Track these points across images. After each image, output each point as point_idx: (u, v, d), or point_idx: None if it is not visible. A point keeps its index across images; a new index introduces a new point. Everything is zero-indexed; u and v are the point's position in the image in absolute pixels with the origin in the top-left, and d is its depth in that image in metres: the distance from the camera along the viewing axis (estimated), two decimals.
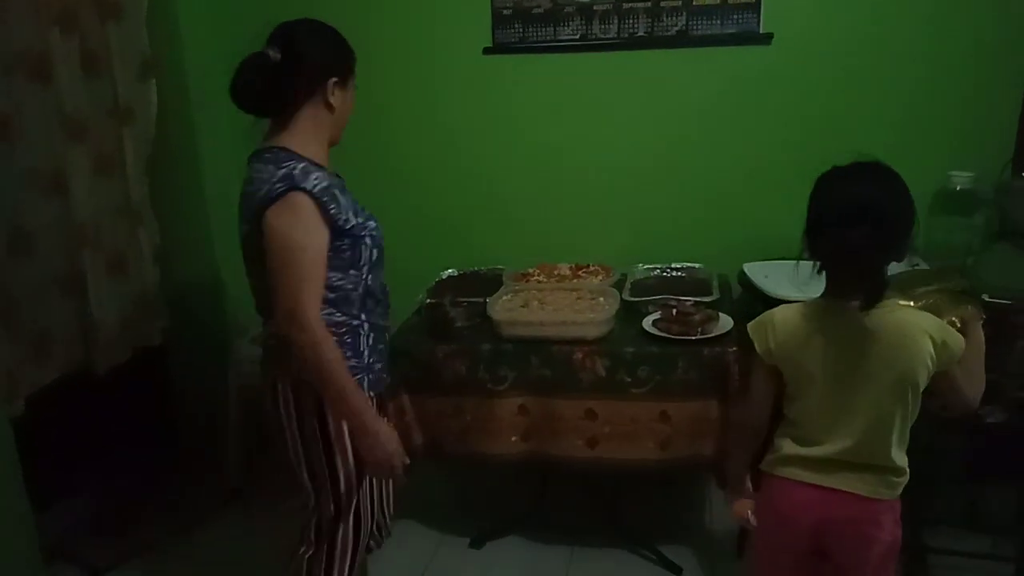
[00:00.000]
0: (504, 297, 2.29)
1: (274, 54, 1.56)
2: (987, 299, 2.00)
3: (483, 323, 2.20)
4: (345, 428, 1.59)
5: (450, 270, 2.61)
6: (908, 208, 1.39)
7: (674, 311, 2.13)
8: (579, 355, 2.09)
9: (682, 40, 2.47)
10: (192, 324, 2.89)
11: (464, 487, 2.76)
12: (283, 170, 1.48)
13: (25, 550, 2.11)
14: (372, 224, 1.62)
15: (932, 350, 1.36)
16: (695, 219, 2.64)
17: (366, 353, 1.63)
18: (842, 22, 2.38)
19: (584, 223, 2.75)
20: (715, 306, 2.19)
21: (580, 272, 2.50)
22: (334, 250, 1.52)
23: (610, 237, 2.69)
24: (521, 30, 2.56)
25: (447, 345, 2.19)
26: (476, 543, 2.48)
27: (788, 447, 1.47)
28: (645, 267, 2.52)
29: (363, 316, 1.62)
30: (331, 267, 1.52)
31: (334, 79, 1.58)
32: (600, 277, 2.46)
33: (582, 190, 2.72)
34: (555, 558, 2.34)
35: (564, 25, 2.52)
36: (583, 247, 2.69)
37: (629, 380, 2.02)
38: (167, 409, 3.02)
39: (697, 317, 2.08)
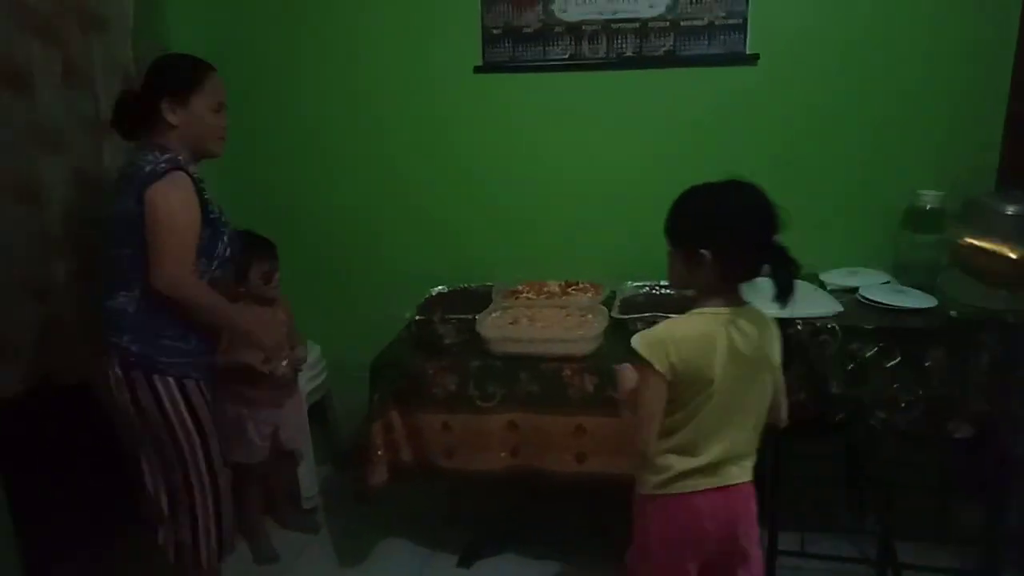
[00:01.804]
0: (493, 314, 2.30)
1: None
2: (954, 315, 2.04)
3: (472, 339, 2.21)
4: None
5: (440, 287, 2.63)
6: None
7: None
8: (568, 372, 2.10)
9: (670, 60, 2.53)
10: None
11: (452, 504, 2.74)
12: (167, 155, 1.78)
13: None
14: (227, 231, 1.92)
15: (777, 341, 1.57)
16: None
17: (194, 339, 1.87)
18: (824, 45, 2.46)
19: (573, 240, 2.78)
20: None
21: (569, 289, 2.53)
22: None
23: (599, 254, 2.72)
24: (511, 49, 2.60)
25: (436, 361, 2.21)
26: (464, 561, 2.46)
27: (678, 463, 1.52)
28: (634, 284, 2.55)
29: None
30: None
31: (167, 99, 1.82)
32: (589, 294, 2.49)
33: (571, 207, 2.75)
34: (544, 574, 2.32)
35: (554, 45, 2.56)
36: (572, 264, 2.72)
37: (616, 397, 2.02)
38: None
39: None
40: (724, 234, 1.48)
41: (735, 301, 1.51)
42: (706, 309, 1.51)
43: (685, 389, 1.48)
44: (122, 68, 2.34)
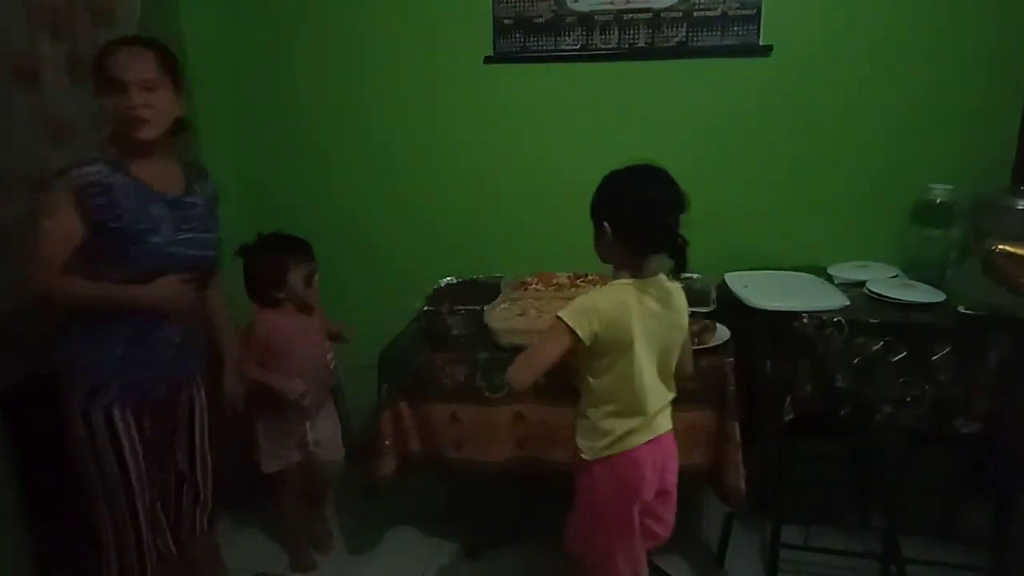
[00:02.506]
0: (502, 305, 2.33)
1: None
2: (962, 311, 2.04)
3: (481, 331, 2.23)
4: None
5: (448, 278, 2.66)
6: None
7: None
8: (576, 364, 2.11)
9: (682, 51, 2.54)
10: None
11: (460, 495, 2.78)
12: (83, 156, 1.76)
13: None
14: (157, 240, 1.75)
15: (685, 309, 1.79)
16: (692, 228, 2.66)
17: (117, 354, 1.78)
18: (839, 36, 2.46)
19: (583, 232, 2.77)
20: (712, 317, 2.22)
21: (578, 281, 2.56)
22: (94, 244, 1.69)
23: None
24: (522, 39, 2.61)
25: (445, 353, 2.24)
26: (472, 552, 2.50)
27: (619, 426, 1.72)
28: None
29: (120, 319, 1.76)
30: (93, 258, 1.70)
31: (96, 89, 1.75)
32: (598, 286, 2.48)
33: (581, 199, 2.74)
34: (550, 566, 2.37)
35: (565, 35, 2.57)
36: (581, 256, 2.72)
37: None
38: None
39: (695, 327, 2.11)
40: (619, 211, 1.69)
41: (644, 272, 1.69)
42: (620, 281, 1.70)
43: (609, 353, 1.68)
44: None
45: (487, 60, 2.69)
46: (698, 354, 2.09)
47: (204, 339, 2.08)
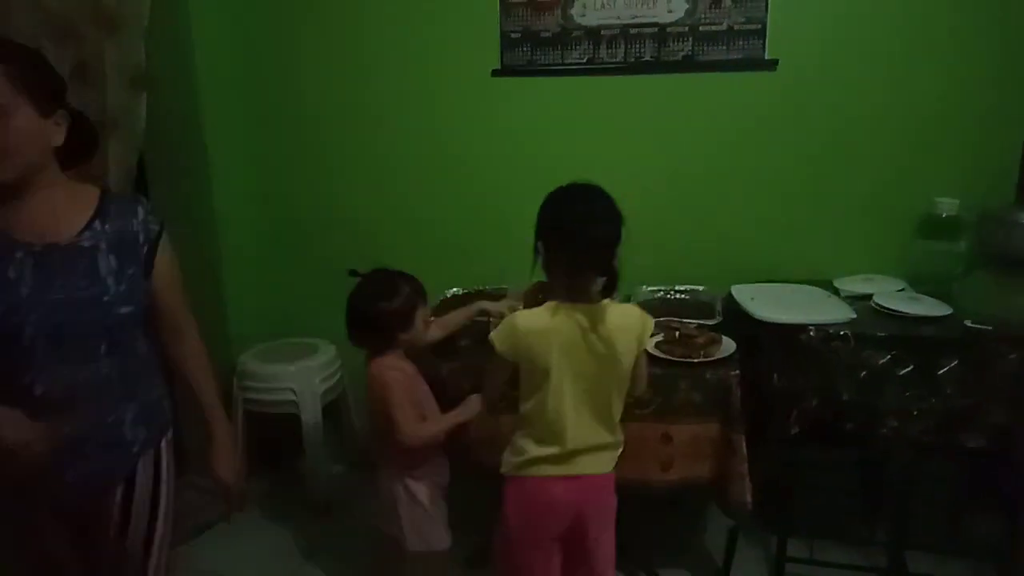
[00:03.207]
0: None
1: None
2: (969, 324, 2.05)
3: (486, 342, 2.22)
4: None
5: (455, 289, 2.67)
6: (621, 221, 1.64)
7: (677, 333, 2.18)
8: None
9: (688, 65, 2.56)
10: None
11: (463, 505, 2.78)
12: None
13: None
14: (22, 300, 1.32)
15: (640, 334, 1.68)
16: (699, 241, 2.70)
17: None
18: (844, 50, 2.48)
19: None
20: (718, 329, 2.23)
21: None
22: None
23: None
24: (529, 53, 2.64)
25: (451, 363, 2.22)
26: (474, 562, 2.50)
27: (533, 449, 1.68)
28: (649, 289, 2.58)
29: None
30: None
31: None
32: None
33: None
34: None
35: (572, 49, 2.60)
36: None
37: (631, 401, 2.05)
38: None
39: (700, 340, 2.13)
40: (544, 230, 1.65)
41: (581, 297, 1.63)
42: (552, 303, 1.64)
43: (527, 378, 1.67)
44: (133, 68, 2.40)
45: (495, 73, 2.72)
46: (704, 366, 2.10)
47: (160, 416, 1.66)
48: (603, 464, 1.72)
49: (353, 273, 2.14)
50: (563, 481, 1.68)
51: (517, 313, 1.69)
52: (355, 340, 2.07)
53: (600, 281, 1.62)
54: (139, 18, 2.40)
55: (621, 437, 1.75)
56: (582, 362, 1.63)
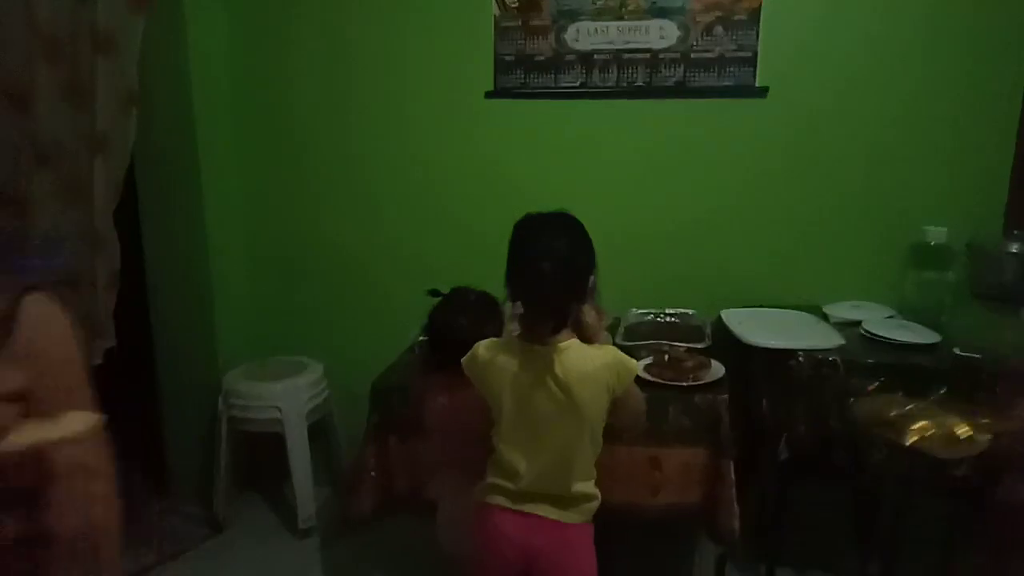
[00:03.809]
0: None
1: None
2: (958, 353, 2.05)
3: None
4: None
5: None
6: (584, 254, 1.58)
7: (666, 357, 2.17)
8: None
9: (680, 91, 2.59)
10: (183, 354, 2.91)
11: None
12: None
13: None
14: None
15: (611, 380, 1.56)
16: (689, 264, 2.71)
17: None
18: (834, 78, 2.51)
19: None
20: (707, 352, 2.22)
21: None
22: None
23: (605, 280, 2.73)
24: (523, 76, 2.66)
25: None
26: None
27: (492, 476, 1.64)
28: (639, 312, 2.58)
29: None
30: None
31: None
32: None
33: None
34: None
35: (565, 73, 2.62)
36: None
37: (619, 426, 2.04)
38: (154, 439, 3.02)
39: (689, 363, 2.12)
40: (508, 263, 1.58)
41: (535, 337, 1.56)
42: (513, 337, 1.61)
43: (491, 406, 1.62)
44: (126, 90, 2.41)
45: (488, 95, 2.73)
46: (693, 390, 2.09)
47: None
48: (564, 514, 1.60)
49: (435, 293, 2.06)
50: (512, 516, 1.61)
51: (483, 341, 1.64)
52: (439, 365, 1.88)
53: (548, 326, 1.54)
54: (133, 39, 2.41)
55: (592, 491, 1.64)
56: (535, 405, 1.55)
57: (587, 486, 1.63)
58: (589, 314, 1.63)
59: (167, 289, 2.89)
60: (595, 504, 1.66)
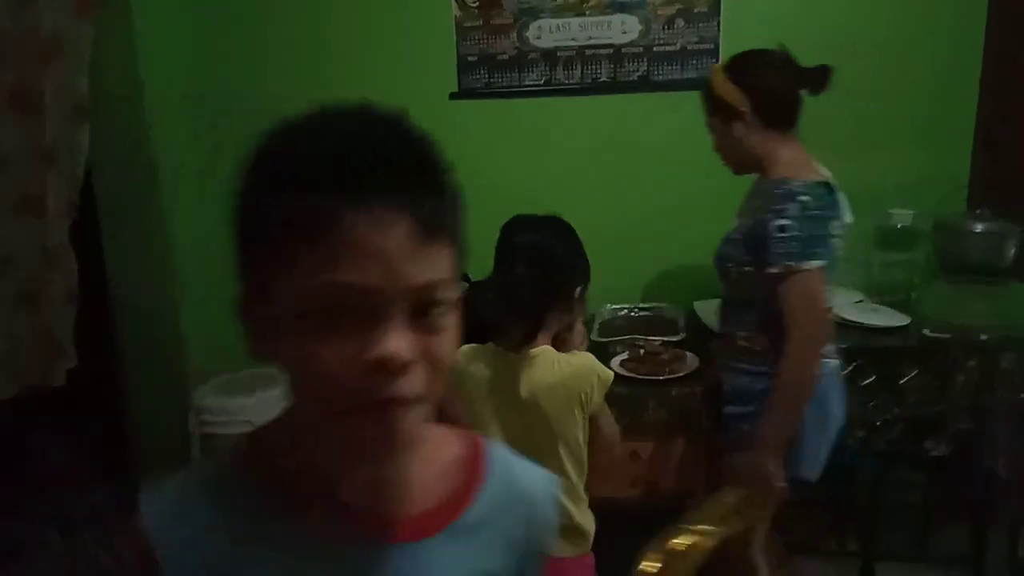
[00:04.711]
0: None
1: None
2: (928, 334, 2.08)
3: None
4: None
5: None
6: (570, 260, 1.48)
7: (642, 351, 2.18)
8: None
9: (643, 85, 2.60)
10: (151, 371, 2.85)
11: None
12: None
13: None
14: None
15: (584, 390, 1.45)
16: (660, 258, 2.72)
17: None
18: None
19: None
20: (682, 345, 2.23)
21: None
22: None
23: None
24: (487, 76, 2.65)
25: None
26: None
27: None
28: (612, 307, 2.59)
29: None
30: None
31: None
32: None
33: None
34: None
35: (529, 71, 2.62)
36: None
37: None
38: (127, 456, 2.96)
39: (665, 357, 2.14)
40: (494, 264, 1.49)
41: (517, 344, 1.46)
42: (490, 344, 1.50)
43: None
44: (75, 100, 2.35)
45: (452, 96, 2.72)
46: (668, 383, 2.11)
47: None
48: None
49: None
50: None
51: (463, 346, 1.53)
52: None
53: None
54: (81, 44, 2.36)
55: (582, 519, 1.53)
56: (506, 416, 1.47)
57: (582, 514, 1.53)
58: (577, 332, 1.55)
59: (131, 304, 2.84)
60: (589, 531, 1.55)
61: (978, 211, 2.28)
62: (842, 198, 1.76)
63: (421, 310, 0.59)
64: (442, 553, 0.66)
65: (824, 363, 1.63)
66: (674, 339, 2.30)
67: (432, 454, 0.70)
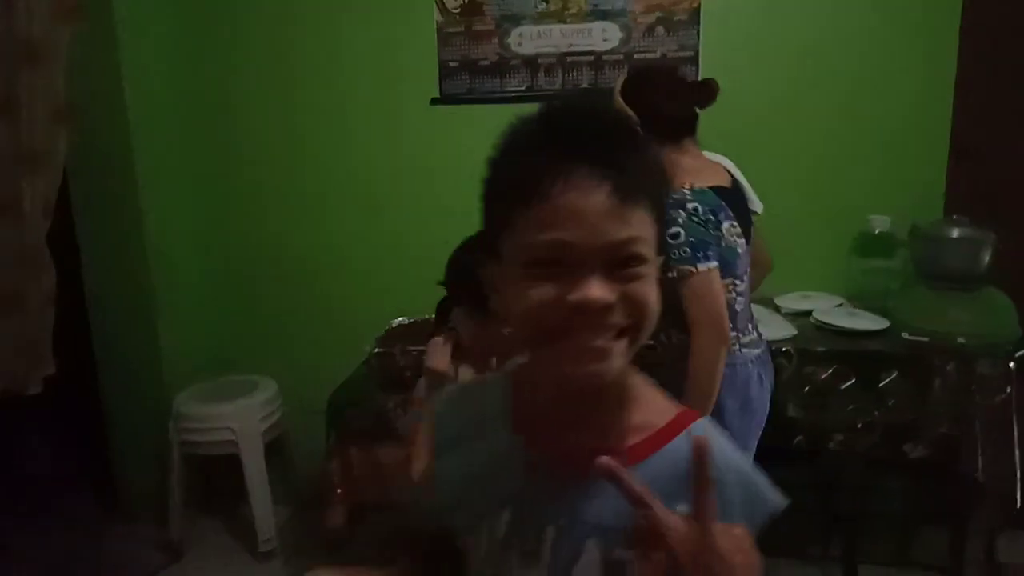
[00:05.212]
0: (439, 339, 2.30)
1: None
2: (907, 338, 2.10)
3: None
4: None
5: (400, 318, 2.63)
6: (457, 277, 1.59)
7: None
8: None
9: None
10: (129, 378, 2.82)
11: None
12: None
13: None
14: None
15: None
16: None
17: None
18: (773, 76, 2.55)
19: None
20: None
21: None
22: None
23: None
24: (468, 81, 2.66)
25: (399, 395, 2.19)
26: None
27: None
28: None
29: None
30: None
31: None
32: None
33: None
34: None
35: (510, 77, 2.64)
36: None
37: None
38: (105, 464, 2.93)
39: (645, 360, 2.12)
40: None
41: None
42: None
43: None
44: (55, 104, 2.33)
45: (434, 101, 2.72)
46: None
47: None
48: None
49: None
50: None
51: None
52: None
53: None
54: (60, 49, 2.34)
55: None
56: None
57: None
58: None
59: (109, 310, 2.81)
60: None
61: (954, 217, 2.31)
62: (747, 189, 1.94)
63: (621, 263, 0.71)
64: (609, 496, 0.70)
65: (739, 355, 1.75)
66: (652, 343, 2.30)
67: (634, 404, 0.80)
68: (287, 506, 2.94)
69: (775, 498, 0.80)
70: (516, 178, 0.74)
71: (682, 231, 1.67)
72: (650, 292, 0.73)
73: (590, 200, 0.70)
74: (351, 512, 2.25)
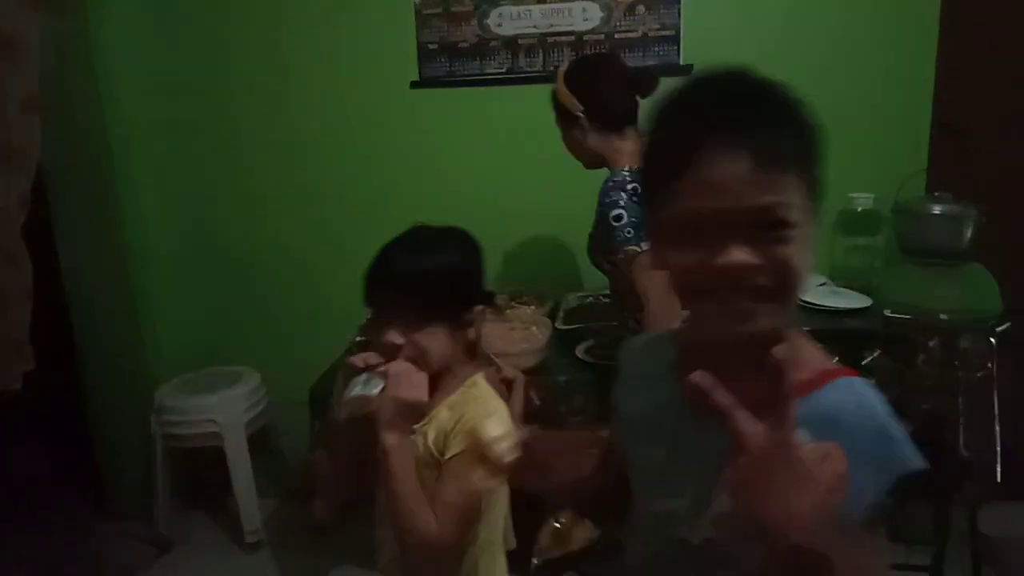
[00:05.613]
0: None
1: None
2: (890, 315, 2.11)
3: None
4: None
5: None
6: (434, 276, 1.33)
7: (607, 338, 2.17)
8: None
9: None
10: (111, 372, 2.80)
11: None
12: None
13: None
14: None
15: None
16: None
17: None
18: (754, 54, 2.47)
19: (515, 253, 2.80)
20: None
21: (513, 303, 2.53)
22: None
23: (541, 266, 2.74)
24: (448, 64, 2.63)
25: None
26: None
27: None
28: (578, 295, 2.58)
29: None
30: None
31: None
32: (532, 307, 2.50)
33: (511, 221, 2.78)
34: None
35: (490, 59, 2.61)
36: (515, 277, 2.74)
37: (564, 409, 2.05)
38: (89, 460, 2.92)
39: None
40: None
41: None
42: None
43: None
44: (27, 95, 2.29)
45: (413, 85, 2.69)
46: None
47: None
48: None
49: None
50: None
51: None
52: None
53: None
54: (31, 40, 2.30)
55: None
56: None
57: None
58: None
59: (89, 304, 2.78)
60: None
61: (937, 194, 2.31)
62: None
63: (766, 226, 0.75)
64: None
65: None
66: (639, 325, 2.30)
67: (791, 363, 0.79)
68: (273, 497, 2.93)
69: (914, 459, 0.82)
70: (662, 151, 0.81)
71: (624, 212, 1.70)
72: (796, 255, 0.76)
73: (729, 168, 0.74)
74: (337, 500, 2.24)
